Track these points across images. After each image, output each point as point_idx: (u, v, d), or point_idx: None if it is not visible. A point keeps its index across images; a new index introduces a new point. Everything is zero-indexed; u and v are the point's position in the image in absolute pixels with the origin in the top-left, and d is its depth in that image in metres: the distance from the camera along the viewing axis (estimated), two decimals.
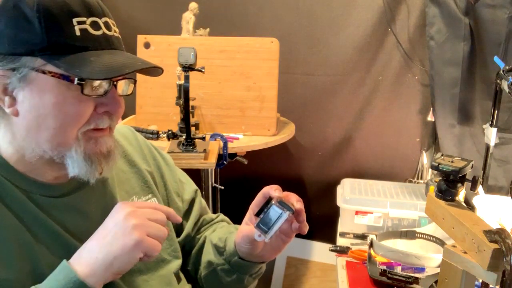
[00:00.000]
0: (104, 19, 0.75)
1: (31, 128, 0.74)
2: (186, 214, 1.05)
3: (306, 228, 0.87)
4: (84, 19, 0.72)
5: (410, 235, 1.45)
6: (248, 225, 0.90)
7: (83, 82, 0.71)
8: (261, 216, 0.82)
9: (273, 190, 0.86)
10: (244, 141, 1.87)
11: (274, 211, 0.81)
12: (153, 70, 0.80)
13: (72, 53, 0.71)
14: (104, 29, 0.74)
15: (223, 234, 0.99)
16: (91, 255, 0.72)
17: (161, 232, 0.75)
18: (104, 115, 0.76)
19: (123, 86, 0.80)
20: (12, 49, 0.70)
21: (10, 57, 0.70)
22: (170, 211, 0.81)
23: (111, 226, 0.73)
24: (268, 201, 0.84)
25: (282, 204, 0.81)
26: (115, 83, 0.76)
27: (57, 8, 0.70)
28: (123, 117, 2.07)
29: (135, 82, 0.82)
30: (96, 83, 0.73)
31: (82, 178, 0.77)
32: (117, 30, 0.78)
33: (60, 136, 0.74)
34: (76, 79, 0.71)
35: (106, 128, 0.78)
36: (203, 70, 1.61)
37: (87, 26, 0.72)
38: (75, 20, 0.71)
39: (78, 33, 0.71)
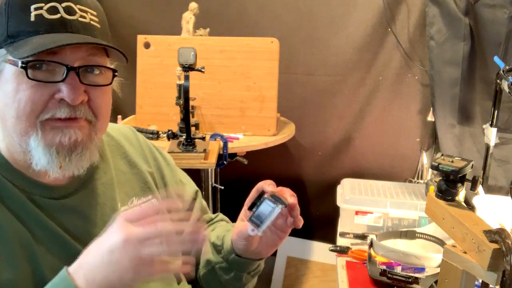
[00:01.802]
0: (66, 3, 0.73)
1: (2, 120, 0.74)
2: None
3: (300, 223, 0.86)
4: (42, 5, 0.71)
5: (410, 235, 1.45)
6: (243, 221, 0.89)
7: (25, 65, 0.70)
8: (254, 210, 0.81)
9: (266, 185, 0.85)
10: (244, 141, 1.87)
11: (267, 205, 0.80)
12: (115, 54, 0.77)
13: (24, 39, 0.71)
14: (62, 13, 0.72)
15: (221, 233, 0.98)
16: (91, 272, 0.66)
17: (162, 252, 0.67)
18: (61, 103, 0.72)
19: (90, 76, 0.75)
20: None
21: None
22: (171, 203, 0.74)
23: (108, 249, 0.66)
24: (260, 195, 0.82)
25: (275, 198, 0.81)
26: (77, 70, 0.72)
27: None
28: (123, 117, 2.07)
29: (114, 71, 0.79)
30: (45, 67, 0.71)
31: (45, 170, 0.74)
32: (89, 17, 0.75)
33: (20, 125, 0.72)
34: (20, 63, 0.70)
35: (74, 119, 0.74)
36: (203, 70, 1.61)
37: (42, 12, 0.71)
38: (32, 7, 0.71)
39: (32, 18, 0.71)
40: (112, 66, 0.79)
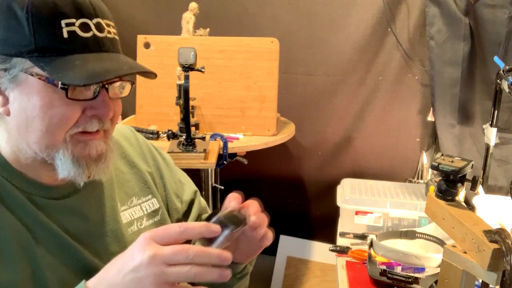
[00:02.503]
0: (96, 20, 0.73)
1: (21, 129, 0.74)
2: (185, 215, 1.04)
3: (267, 241, 0.80)
4: (73, 20, 0.70)
5: (410, 235, 1.45)
6: None
7: (67, 87, 0.70)
8: None
9: (228, 201, 0.79)
10: (244, 141, 1.87)
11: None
12: (146, 73, 0.78)
13: (58, 56, 0.70)
14: (94, 31, 0.72)
15: None
16: None
17: (189, 278, 0.65)
18: (93, 118, 0.75)
19: (116, 89, 0.78)
20: (4, 50, 0.70)
21: (2, 57, 0.70)
22: (203, 230, 0.68)
23: (132, 268, 0.64)
24: (213, 214, 0.74)
25: (228, 218, 0.72)
26: (106, 86, 0.74)
27: (47, 9, 0.70)
28: (123, 117, 2.07)
29: (132, 83, 0.81)
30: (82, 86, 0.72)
31: (72, 180, 0.76)
32: (112, 30, 0.76)
33: (48, 138, 0.73)
34: (60, 83, 0.70)
35: (97, 131, 0.76)
36: (203, 70, 1.61)
37: (75, 28, 0.71)
38: (63, 22, 0.70)
39: (66, 35, 0.70)
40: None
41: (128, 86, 0.81)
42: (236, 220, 0.73)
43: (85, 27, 0.72)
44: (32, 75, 0.70)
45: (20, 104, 0.72)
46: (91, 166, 0.76)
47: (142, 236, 0.67)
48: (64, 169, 0.74)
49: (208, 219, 0.73)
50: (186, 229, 0.66)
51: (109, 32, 0.75)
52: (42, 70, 0.70)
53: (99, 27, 0.73)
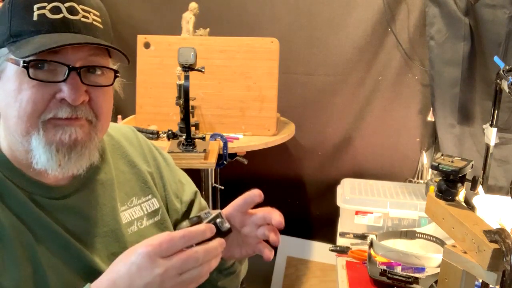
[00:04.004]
0: (69, 3, 0.72)
1: (4, 119, 0.74)
2: (185, 216, 1.04)
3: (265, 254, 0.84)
4: (45, 4, 0.71)
5: (410, 235, 1.45)
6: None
7: (27, 65, 0.70)
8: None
9: (249, 198, 0.83)
10: (244, 141, 1.87)
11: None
12: (117, 55, 0.77)
13: (27, 38, 0.71)
14: (65, 13, 0.72)
15: None
16: None
17: (199, 277, 0.69)
18: (63, 103, 0.72)
19: (90, 75, 0.75)
20: None
21: None
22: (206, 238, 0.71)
23: (143, 285, 0.66)
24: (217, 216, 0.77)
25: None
26: (78, 70, 0.72)
27: None
28: (123, 117, 2.07)
29: (116, 72, 0.78)
30: (47, 66, 0.71)
31: (45, 169, 0.74)
32: (91, 17, 0.75)
33: (21, 125, 0.72)
34: (21, 62, 0.70)
35: (76, 118, 0.73)
36: (203, 70, 1.61)
37: (45, 11, 0.71)
38: (35, 6, 0.71)
39: (35, 18, 0.71)
40: (114, 67, 0.79)
41: (109, 74, 0.78)
42: (220, 231, 0.75)
43: (55, 10, 0.72)
44: (8, 61, 0.72)
45: (2, 93, 0.73)
46: (61, 153, 0.73)
47: (145, 253, 0.66)
48: (37, 156, 0.73)
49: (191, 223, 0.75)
50: (190, 238, 0.68)
51: (85, 17, 0.74)
52: (12, 53, 0.71)
53: (71, 11, 0.73)
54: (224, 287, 0.95)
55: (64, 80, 0.72)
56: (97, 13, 0.76)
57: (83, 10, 0.74)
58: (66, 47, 0.70)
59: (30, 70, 0.70)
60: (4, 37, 0.72)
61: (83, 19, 0.74)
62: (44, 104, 0.72)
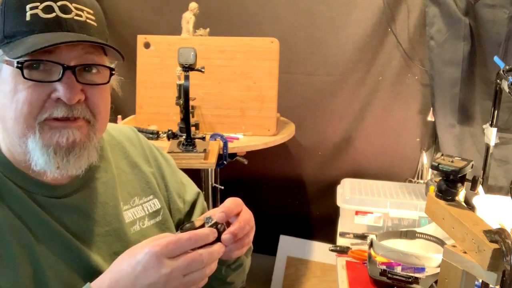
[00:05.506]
0: (61, 2, 0.72)
1: (2, 120, 0.74)
2: (187, 216, 1.04)
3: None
4: (37, 4, 0.71)
5: (410, 235, 1.45)
6: None
7: (21, 65, 0.69)
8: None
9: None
10: (244, 141, 1.87)
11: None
12: (112, 53, 0.77)
13: (20, 39, 0.71)
14: (57, 12, 0.72)
15: None
16: None
17: (201, 278, 0.71)
18: (58, 103, 0.72)
19: (85, 74, 0.75)
20: None
21: None
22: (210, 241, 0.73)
23: (147, 285, 0.67)
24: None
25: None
26: (73, 69, 0.72)
27: None
28: (123, 117, 2.07)
29: (112, 70, 0.78)
30: (41, 66, 0.71)
31: (44, 170, 0.74)
32: (85, 15, 0.75)
33: (18, 126, 0.72)
34: (15, 62, 0.70)
35: (72, 119, 0.73)
36: (203, 70, 1.61)
37: (38, 11, 0.71)
38: (28, 7, 0.71)
39: (28, 18, 0.71)
40: (112, 65, 0.79)
41: (105, 72, 0.78)
42: (220, 236, 0.77)
43: (48, 9, 0.72)
44: (3, 63, 0.72)
45: (0, 95, 0.73)
46: (59, 156, 0.73)
47: (152, 252, 0.67)
48: (35, 158, 0.73)
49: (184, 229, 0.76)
50: (196, 241, 0.70)
51: (78, 15, 0.74)
52: (6, 54, 0.71)
53: (64, 9, 0.73)
54: (232, 282, 0.96)
55: (59, 80, 0.71)
56: (91, 11, 0.76)
57: (76, 9, 0.74)
58: (60, 46, 0.70)
59: (25, 71, 0.70)
60: None
61: (76, 18, 0.74)
62: (40, 104, 0.72)
